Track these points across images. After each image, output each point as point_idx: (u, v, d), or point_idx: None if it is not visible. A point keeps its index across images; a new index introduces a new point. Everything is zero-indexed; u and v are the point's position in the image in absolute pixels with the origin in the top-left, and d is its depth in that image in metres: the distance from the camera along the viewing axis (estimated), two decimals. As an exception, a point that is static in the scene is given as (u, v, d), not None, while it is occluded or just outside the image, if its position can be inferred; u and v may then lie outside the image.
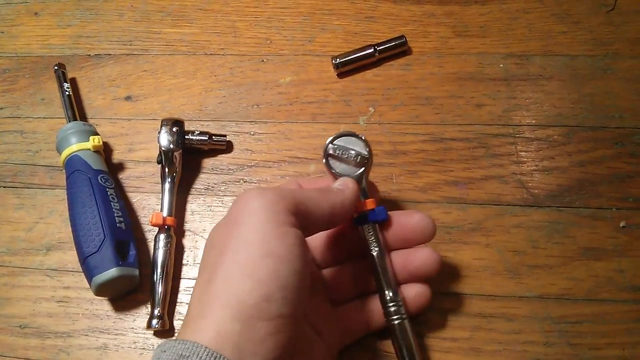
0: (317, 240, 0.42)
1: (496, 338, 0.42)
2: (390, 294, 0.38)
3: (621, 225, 0.45)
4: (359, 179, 0.39)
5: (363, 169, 0.40)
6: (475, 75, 0.52)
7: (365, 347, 0.42)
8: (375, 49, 0.53)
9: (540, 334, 0.42)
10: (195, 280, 0.34)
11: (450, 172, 0.48)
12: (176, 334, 0.43)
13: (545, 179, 0.47)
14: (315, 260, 0.41)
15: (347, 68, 0.53)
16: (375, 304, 0.40)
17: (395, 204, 0.47)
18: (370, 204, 0.39)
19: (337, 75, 0.53)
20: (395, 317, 0.38)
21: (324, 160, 0.40)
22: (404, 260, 0.40)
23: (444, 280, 0.44)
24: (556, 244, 0.45)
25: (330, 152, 0.40)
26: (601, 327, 0.42)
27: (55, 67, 0.53)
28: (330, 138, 0.40)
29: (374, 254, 0.39)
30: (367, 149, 0.40)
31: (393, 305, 0.38)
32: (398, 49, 0.53)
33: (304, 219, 0.33)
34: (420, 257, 0.39)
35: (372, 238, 0.39)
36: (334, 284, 0.41)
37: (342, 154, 0.40)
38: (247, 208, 0.32)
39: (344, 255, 0.42)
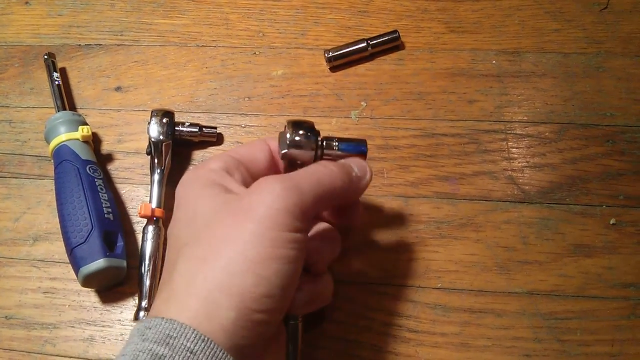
0: None
1: (485, 333, 0.42)
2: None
3: (611, 222, 0.45)
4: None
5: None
6: (468, 71, 0.52)
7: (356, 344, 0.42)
8: (368, 43, 0.52)
9: (530, 329, 0.42)
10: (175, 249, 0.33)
11: (442, 168, 0.48)
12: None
13: (536, 175, 0.47)
14: None
15: (339, 62, 0.53)
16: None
17: (386, 199, 0.47)
18: None
19: (330, 69, 0.53)
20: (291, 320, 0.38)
21: (285, 150, 0.37)
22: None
23: (434, 275, 0.44)
24: (546, 241, 0.45)
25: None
26: (590, 324, 0.42)
27: (45, 57, 0.53)
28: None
29: None
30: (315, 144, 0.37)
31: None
32: (391, 44, 0.53)
33: (315, 212, 0.33)
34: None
35: None
36: None
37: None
38: (264, 198, 0.31)
39: None
